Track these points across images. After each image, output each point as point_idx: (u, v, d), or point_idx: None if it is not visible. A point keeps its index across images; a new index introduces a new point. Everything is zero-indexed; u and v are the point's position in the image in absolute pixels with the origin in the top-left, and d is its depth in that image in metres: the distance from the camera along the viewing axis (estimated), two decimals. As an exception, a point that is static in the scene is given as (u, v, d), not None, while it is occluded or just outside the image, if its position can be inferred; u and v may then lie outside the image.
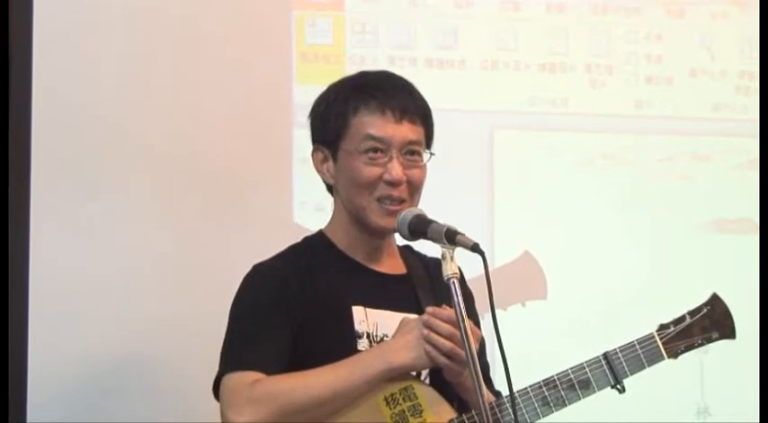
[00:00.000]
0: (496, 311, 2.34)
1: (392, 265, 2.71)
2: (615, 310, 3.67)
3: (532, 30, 3.84)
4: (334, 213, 2.72)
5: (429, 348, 2.48)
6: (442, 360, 2.48)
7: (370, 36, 3.73)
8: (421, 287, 2.68)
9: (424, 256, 2.77)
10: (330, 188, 2.72)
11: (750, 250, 3.82)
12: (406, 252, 2.77)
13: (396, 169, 2.59)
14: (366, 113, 2.61)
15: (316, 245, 2.70)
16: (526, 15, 3.83)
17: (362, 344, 2.58)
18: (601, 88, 3.87)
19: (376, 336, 2.59)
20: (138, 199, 3.50)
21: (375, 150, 2.60)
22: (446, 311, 2.47)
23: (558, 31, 3.86)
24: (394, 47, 3.73)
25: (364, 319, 2.60)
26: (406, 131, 2.62)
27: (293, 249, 2.70)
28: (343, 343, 2.56)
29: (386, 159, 2.60)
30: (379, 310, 2.61)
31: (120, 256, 3.48)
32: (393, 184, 2.60)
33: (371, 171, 2.60)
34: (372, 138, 2.60)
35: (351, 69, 3.49)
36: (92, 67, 3.51)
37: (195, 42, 3.58)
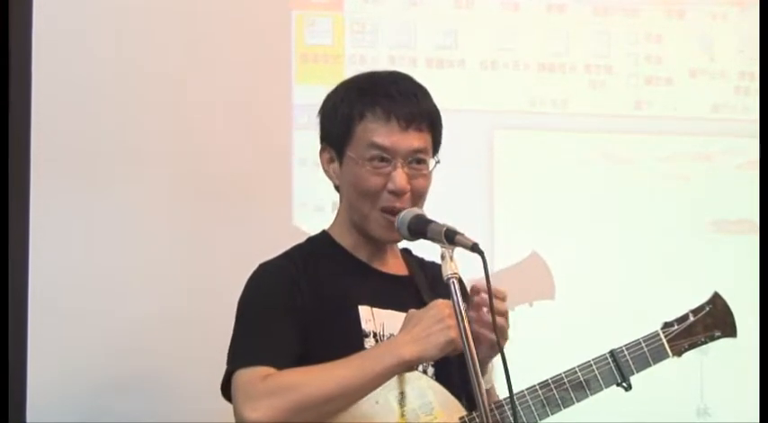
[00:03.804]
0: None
1: (395, 266, 2.71)
2: (614, 309, 3.67)
3: (532, 30, 3.83)
4: (339, 213, 2.71)
5: (454, 334, 2.42)
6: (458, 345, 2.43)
7: (369, 36, 3.73)
8: (423, 288, 2.68)
9: (422, 260, 2.77)
10: (337, 187, 2.70)
11: (750, 251, 3.82)
12: (405, 255, 2.76)
13: (400, 179, 2.57)
14: (371, 120, 2.58)
15: (321, 244, 2.69)
16: (526, 15, 3.83)
17: (369, 343, 2.57)
18: (601, 88, 3.87)
19: (382, 335, 2.58)
20: (138, 199, 3.50)
21: (380, 159, 2.57)
22: (497, 290, 2.44)
23: (558, 31, 3.86)
24: (394, 47, 3.73)
25: (371, 318, 2.59)
26: (412, 140, 2.59)
27: (298, 249, 2.69)
28: (350, 342, 2.55)
29: (390, 169, 2.57)
30: (384, 310, 2.60)
31: (121, 256, 3.48)
32: (397, 193, 2.58)
33: (375, 181, 2.58)
34: (377, 146, 2.57)
35: (350, 69, 3.50)
36: (91, 66, 3.51)
37: (195, 42, 3.58)
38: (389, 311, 2.61)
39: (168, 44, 3.57)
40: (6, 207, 3.34)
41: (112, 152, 3.51)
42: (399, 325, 2.55)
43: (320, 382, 2.45)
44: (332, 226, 2.72)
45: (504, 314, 2.49)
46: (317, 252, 2.66)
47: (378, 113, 2.58)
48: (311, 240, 2.72)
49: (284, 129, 3.62)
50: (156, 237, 3.50)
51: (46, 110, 3.47)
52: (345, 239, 2.67)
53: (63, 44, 3.50)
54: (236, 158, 3.56)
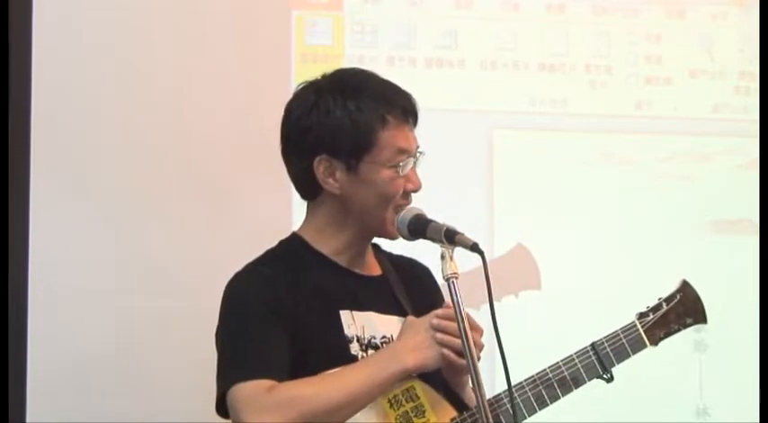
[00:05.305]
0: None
1: (370, 267, 2.68)
2: (614, 309, 3.66)
3: (532, 30, 3.83)
4: (318, 218, 2.63)
5: (446, 351, 2.47)
6: (458, 359, 2.46)
7: (369, 36, 3.73)
8: (397, 287, 2.67)
9: (390, 254, 2.75)
10: (311, 192, 2.63)
11: (750, 251, 3.82)
12: (375, 251, 2.73)
13: (418, 179, 2.58)
14: (394, 125, 2.55)
15: (295, 248, 2.63)
16: (526, 15, 3.83)
17: (354, 348, 2.55)
18: (601, 88, 3.87)
19: (364, 338, 2.56)
20: (137, 198, 3.50)
21: (402, 162, 2.56)
22: (451, 312, 2.44)
23: (558, 31, 3.86)
24: (393, 47, 3.73)
25: (352, 322, 2.56)
26: (414, 137, 2.60)
27: (271, 253, 2.64)
28: (336, 348, 2.53)
29: (407, 169, 2.56)
30: (364, 313, 2.58)
31: (122, 256, 3.49)
32: (413, 192, 2.58)
33: (399, 184, 2.56)
34: (403, 151, 2.55)
35: (351, 70, 3.50)
36: (91, 66, 3.52)
37: (195, 42, 3.59)
38: (368, 313, 2.59)
39: (168, 44, 3.58)
40: (6, 207, 3.35)
41: (112, 152, 3.51)
42: (379, 327, 2.57)
43: (328, 393, 2.44)
44: (306, 230, 2.65)
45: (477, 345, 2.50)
46: (292, 256, 2.61)
47: (398, 116, 2.56)
48: (284, 244, 2.66)
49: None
50: (155, 236, 3.50)
51: (46, 110, 3.47)
52: (326, 245, 2.62)
53: (63, 44, 3.51)
54: (236, 158, 3.56)
